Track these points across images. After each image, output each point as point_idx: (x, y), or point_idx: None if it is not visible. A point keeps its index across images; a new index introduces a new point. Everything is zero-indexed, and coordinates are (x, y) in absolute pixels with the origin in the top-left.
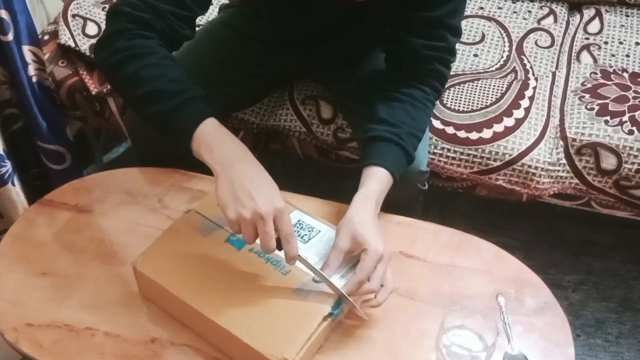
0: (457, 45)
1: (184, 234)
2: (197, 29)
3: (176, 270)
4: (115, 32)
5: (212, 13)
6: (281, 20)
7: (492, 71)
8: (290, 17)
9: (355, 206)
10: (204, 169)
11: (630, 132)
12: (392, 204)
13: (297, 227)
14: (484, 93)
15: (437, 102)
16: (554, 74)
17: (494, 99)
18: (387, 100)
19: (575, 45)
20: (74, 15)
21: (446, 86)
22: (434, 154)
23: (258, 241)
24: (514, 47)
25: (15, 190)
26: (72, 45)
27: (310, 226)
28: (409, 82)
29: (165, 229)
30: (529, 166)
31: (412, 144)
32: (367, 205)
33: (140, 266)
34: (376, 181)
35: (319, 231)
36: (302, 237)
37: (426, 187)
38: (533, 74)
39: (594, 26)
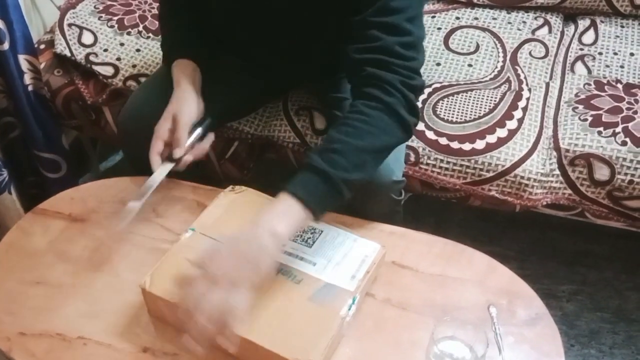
0: (452, 56)
1: (189, 253)
2: None
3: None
4: None
5: None
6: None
7: (486, 81)
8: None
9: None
10: (198, 179)
11: (624, 143)
12: (367, 216)
13: (299, 231)
14: (477, 104)
15: (431, 113)
16: (547, 85)
17: (487, 110)
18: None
19: (570, 56)
20: (70, 25)
21: (440, 97)
22: (427, 164)
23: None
24: (508, 58)
25: (12, 199)
26: (68, 54)
27: (312, 228)
28: (354, 99)
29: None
30: (522, 177)
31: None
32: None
33: (150, 287)
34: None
35: (321, 231)
36: (307, 240)
37: (402, 196)
38: (527, 84)
39: (589, 37)
